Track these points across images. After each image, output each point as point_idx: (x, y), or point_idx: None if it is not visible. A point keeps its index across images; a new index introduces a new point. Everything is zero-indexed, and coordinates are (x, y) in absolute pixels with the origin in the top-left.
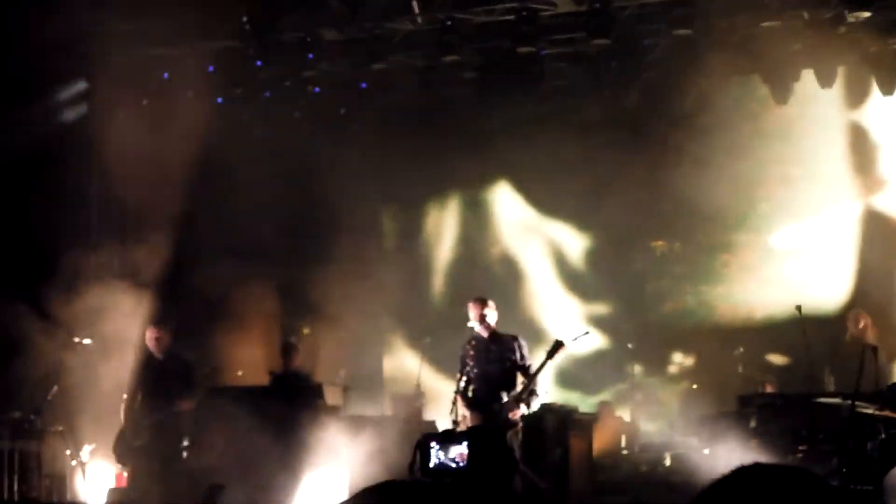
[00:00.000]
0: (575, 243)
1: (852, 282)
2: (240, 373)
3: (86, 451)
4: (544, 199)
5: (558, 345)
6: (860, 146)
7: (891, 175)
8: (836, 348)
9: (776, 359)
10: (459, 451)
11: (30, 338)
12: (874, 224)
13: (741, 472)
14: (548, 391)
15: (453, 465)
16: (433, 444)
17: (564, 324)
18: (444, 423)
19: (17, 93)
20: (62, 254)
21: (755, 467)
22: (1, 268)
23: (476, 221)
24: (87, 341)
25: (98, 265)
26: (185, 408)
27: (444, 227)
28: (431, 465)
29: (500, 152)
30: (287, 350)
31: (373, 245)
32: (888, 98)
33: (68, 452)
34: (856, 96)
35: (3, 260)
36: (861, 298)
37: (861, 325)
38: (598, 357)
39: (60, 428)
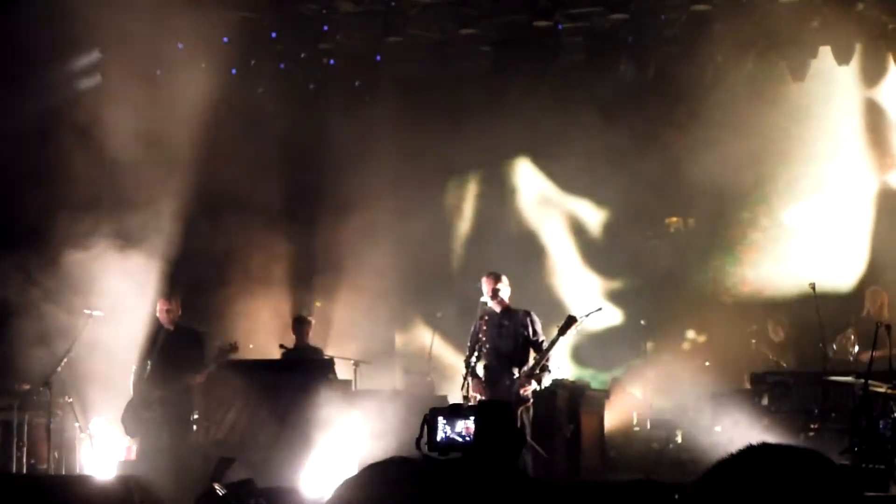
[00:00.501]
0: (591, 218)
1: (866, 259)
2: (251, 346)
3: (95, 423)
4: (561, 174)
5: (571, 320)
6: (876, 123)
7: None
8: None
9: (789, 336)
10: (466, 425)
11: (38, 308)
12: (889, 201)
13: (749, 451)
14: (560, 367)
15: (460, 440)
16: (440, 418)
17: (580, 299)
18: (455, 398)
19: (30, 62)
20: (71, 223)
21: (763, 447)
22: (7, 236)
23: (494, 196)
24: (96, 312)
25: (108, 235)
26: (197, 381)
27: (461, 201)
28: (438, 439)
29: (516, 126)
30: (299, 324)
31: (386, 220)
32: None
33: (77, 424)
34: (872, 73)
35: (10, 229)
36: (875, 276)
37: (879, 302)
38: (611, 333)
39: (70, 399)
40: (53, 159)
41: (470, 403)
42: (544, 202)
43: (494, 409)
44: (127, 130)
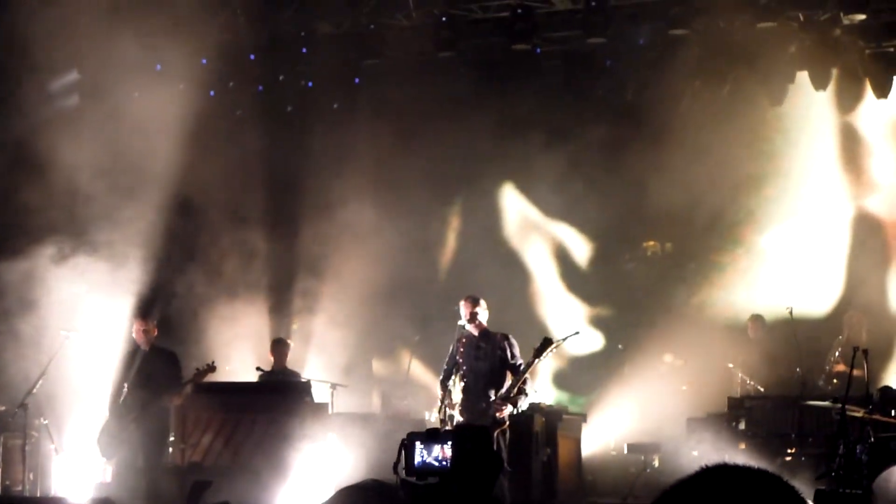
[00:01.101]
0: (570, 242)
1: (843, 284)
2: (227, 368)
3: (70, 444)
4: (540, 197)
5: (546, 343)
6: (852, 148)
7: (882, 178)
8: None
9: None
10: (444, 450)
11: (14, 329)
12: (865, 227)
13: (706, 473)
14: (537, 390)
15: (437, 465)
16: (418, 442)
17: (559, 322)
18: (432, 422)
19: (8, 83)
20: (48, 243)
21: (720, 468)
22: None
23: (475, 219)
24: (72, 333)
25: (86, 256)
26: (174, 402)
27: (443, 224)
28: (416, 463)
29: (495, 149)
30: (277, 346)
31: (365, 243)
32: (881, 101)
33: (52, 446)
34: (849, 99)
35: None
36: (851, 301)
37: (858, 327)
38: (589, 357)
39: (45, 421)
40: (26, 177)
41: (447, 427)
42: (525, 225)
43: (472, 434)
44: (104, 150)
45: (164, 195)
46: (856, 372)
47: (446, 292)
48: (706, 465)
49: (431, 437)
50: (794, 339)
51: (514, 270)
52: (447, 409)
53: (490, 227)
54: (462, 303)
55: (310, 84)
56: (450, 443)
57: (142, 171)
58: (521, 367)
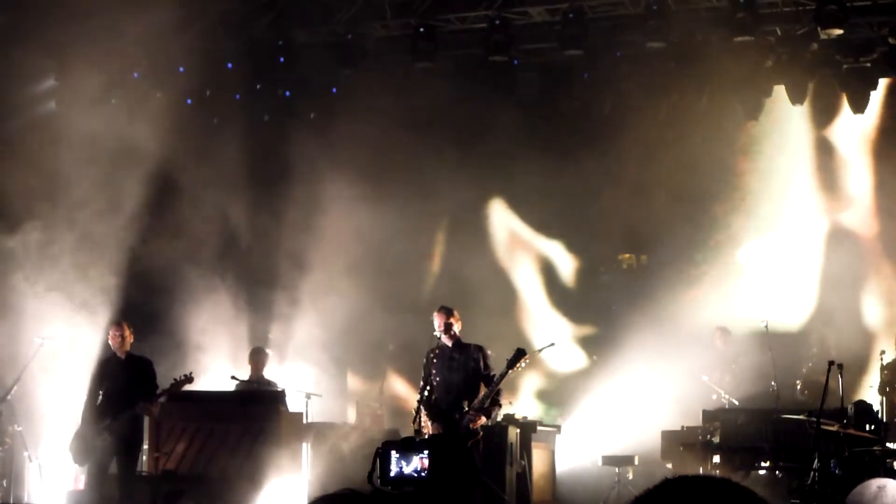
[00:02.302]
0: (548, 254)
1: (817, 298)
2: (203, 377)
3: (43, 451)
4: (517, 208)
5: (520, 354)
6: (828, 163)
7: (857, 193)
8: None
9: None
10: (420, 460)
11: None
12: (840, 241)
13: (667, 485)
14: (511, 402)
15: (413, 475)
16: (393, 452)
17: (533, 334)
18: (407, 432)
19: None
20: (24, 251)
21: (681, 480)
22: None
23: (457, 231)
24: (46, 340)
25: (59, 262)
26: (153, 411)
27: (423, 234)
28: (391, 474)
29: (473, 160)
30: (255, 355)
31: (342, 253)
32: (856, 116)
33: (26, 453)
34: (825, 113)
35: None
36: (826, 315)
37: (826, 343)
38: (565, 369)
39: (19, 428)
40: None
41: (423, 437)
42: (503, 237)
43: (448, 444)
44: (80, 157)
45: (139, 203)
46: (830, 385)
47: (426, 304)
48: (667, 478)
49: (407, 446)
50: (768, 352)
51: (494, 283)
52: (421, 419)
53: (468, 238)
54: (435, 314)
55: (287, 93)
56: (426, 452)
57: (118, 181)
58: (495, 378)
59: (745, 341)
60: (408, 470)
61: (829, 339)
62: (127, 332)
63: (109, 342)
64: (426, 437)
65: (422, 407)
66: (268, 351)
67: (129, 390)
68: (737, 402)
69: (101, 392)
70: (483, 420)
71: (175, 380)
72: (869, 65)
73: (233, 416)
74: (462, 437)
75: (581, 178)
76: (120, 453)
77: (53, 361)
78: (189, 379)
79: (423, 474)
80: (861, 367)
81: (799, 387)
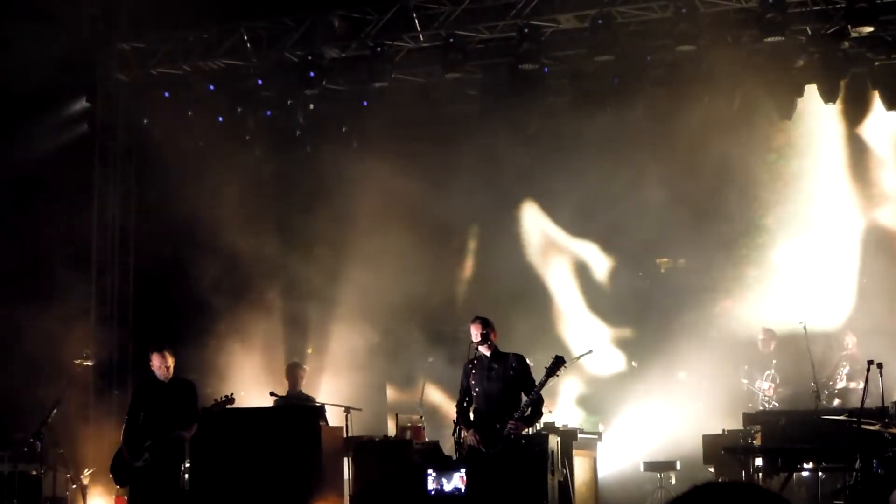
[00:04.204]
0: (585, 260)
1: (855, 297)
2: (242, 393)
3: (86, 473)
4: (552, 216)
5: (559, 361)
6: (861, 160)
7: (892, 190)
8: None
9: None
10: (460, 477)
11: (31, 359)
12: (876, 238)
13: (696, 492)
14: (551, 410)
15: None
16: (430, 470)
17: (573, 341)
18: (446, 443)
19: (21, 110)
20: (60, 274)
21: (710, 486)
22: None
23: (488, 238)
24: (87, 363)
25: (99, 286)
26: (189, 433)
27: (458, 245)
28: (429, 490)
29: (504, 169)
30: (292, 370)
31: (379, 265)
32: (889, 112)
33: (68, 475)
34: (858, 111)
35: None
36: (864, 313)
37: (848, 345)
38: (604, 375)
39: (61, 450)
40: (41, 208)
41: (463, 449)
42: (540, 243)
43: (484, 460)
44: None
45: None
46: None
47: (462, 314)
48: (696, 485)
49: (444, 465)
50: (808, 353)
51: (528, 289)
52: (461, 431)
53: (505, 245)
54: (471, 324)
55: (318, 107)
56: (463, 471)
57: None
58: (535, 387)
59: (785, 342)
60: (446, 488)
61: (852, 342)
62: (170, 360)
63: (154, 370)
64: (465, 448)
65: (461, 419)
66: (304, 366)
67: (172, 412)
68: (777, 404)
69: (142, 413)
70: (525, 429)
71: (216, 401)
72: None
73: (274, 432)
74: (503, 446)
75: (616, 184)
76: (160, 473)
77: (94, 383)
78: (230, 400)
79: (460, 492)
80: None
81: (826, 397)
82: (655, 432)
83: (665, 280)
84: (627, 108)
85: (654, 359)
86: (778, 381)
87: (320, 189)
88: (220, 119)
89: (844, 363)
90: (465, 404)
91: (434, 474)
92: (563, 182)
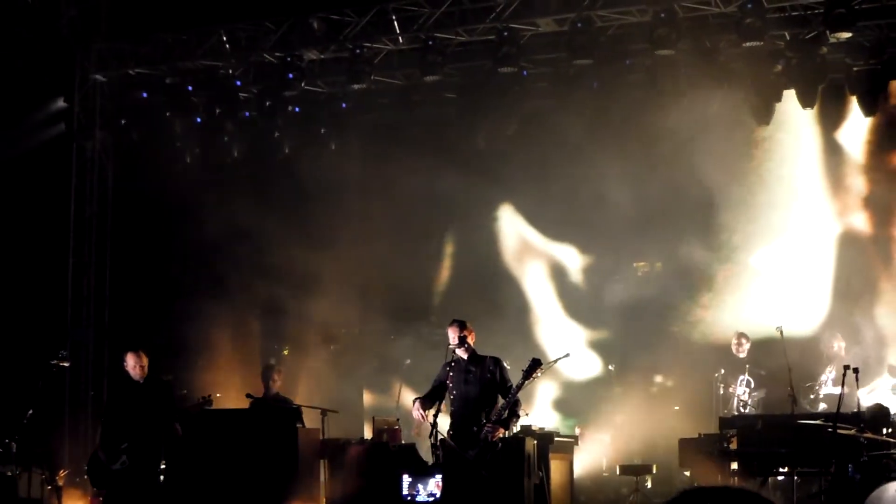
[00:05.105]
0: (560, 263)
1: (830, 301)
2: (217, 395)
3: (61, 474)
4: (529, 218)
5: (535, 364)
6: (837, 166)
7: (868, 195)
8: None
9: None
10: (436, 483)
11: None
12: (851, 244)
13: (685, 496)
14: (528, 413)
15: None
16: (405, 475)
17: (548, 344)
18: (423, 446)
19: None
20: (41, 274)
21: (698, 490)
22: None
23: (465, 241)
24: (63, 364)
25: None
26: (166, 433)
27: (435, 247)
28: (404, 494)
29: (483, 171)
30: (267, 373)
31: (355, 267)
32: (866, 118)
33: (43, 476)
34: (835, 116)
35: None
36: (839, 318)
37: (835, 347)
38: (581, 379)
39: (37, 451)
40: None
41: (438, 452)
42: (515, 247)
43: (461, 466)
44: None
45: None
46: (846, 390)
47: (439, 317)
48: (684, 489)
49: (421, 471)
50: (784, 357)
51: (507, 292)
52: (437, 433)
53: (482, 248)
54: (449, 328)
55: (297, 109)
56: (439, 476)
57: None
58: (512, 390)
59: (760, 347)
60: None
61: (839, 343)
62: (144, 360)
63: (128, 370)
64: (442, 451)
65: (419, 402)
66: (280, 368)
67: (149, 413)
68: (753, 409)
69: (119, 415)
70: (501, 432)
71: (193, 403)
72: (879, 67)
73: (250, 433)
74: (480, 448)
75: (594, 186)
76: (137, 475)
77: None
78: (208, 402)
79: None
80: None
81: (809, 401)
82: (632, 435)
83: (642, 284)
84: (606, 112)
85: (631, 362)
86: (753, 386)
87: (298, 190)
88: (199, 120)
89: (830, 368)
90: (434, 405)
91: (410, 479)
92: (541, 185)
